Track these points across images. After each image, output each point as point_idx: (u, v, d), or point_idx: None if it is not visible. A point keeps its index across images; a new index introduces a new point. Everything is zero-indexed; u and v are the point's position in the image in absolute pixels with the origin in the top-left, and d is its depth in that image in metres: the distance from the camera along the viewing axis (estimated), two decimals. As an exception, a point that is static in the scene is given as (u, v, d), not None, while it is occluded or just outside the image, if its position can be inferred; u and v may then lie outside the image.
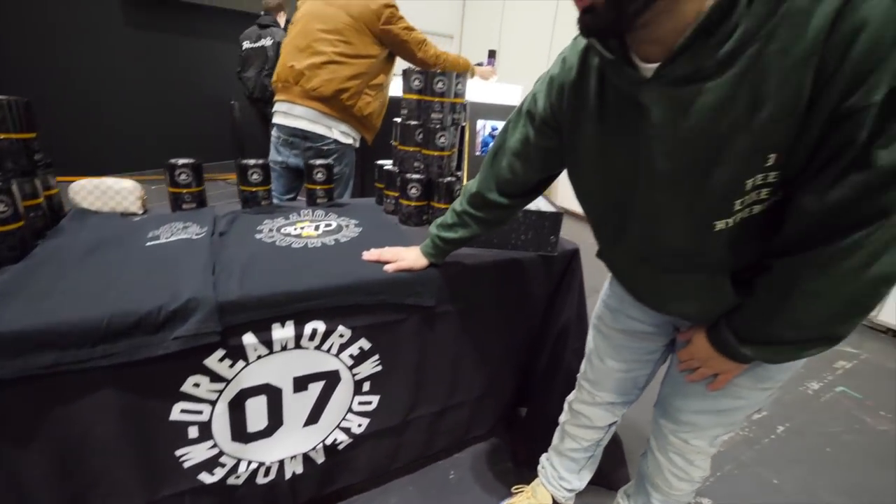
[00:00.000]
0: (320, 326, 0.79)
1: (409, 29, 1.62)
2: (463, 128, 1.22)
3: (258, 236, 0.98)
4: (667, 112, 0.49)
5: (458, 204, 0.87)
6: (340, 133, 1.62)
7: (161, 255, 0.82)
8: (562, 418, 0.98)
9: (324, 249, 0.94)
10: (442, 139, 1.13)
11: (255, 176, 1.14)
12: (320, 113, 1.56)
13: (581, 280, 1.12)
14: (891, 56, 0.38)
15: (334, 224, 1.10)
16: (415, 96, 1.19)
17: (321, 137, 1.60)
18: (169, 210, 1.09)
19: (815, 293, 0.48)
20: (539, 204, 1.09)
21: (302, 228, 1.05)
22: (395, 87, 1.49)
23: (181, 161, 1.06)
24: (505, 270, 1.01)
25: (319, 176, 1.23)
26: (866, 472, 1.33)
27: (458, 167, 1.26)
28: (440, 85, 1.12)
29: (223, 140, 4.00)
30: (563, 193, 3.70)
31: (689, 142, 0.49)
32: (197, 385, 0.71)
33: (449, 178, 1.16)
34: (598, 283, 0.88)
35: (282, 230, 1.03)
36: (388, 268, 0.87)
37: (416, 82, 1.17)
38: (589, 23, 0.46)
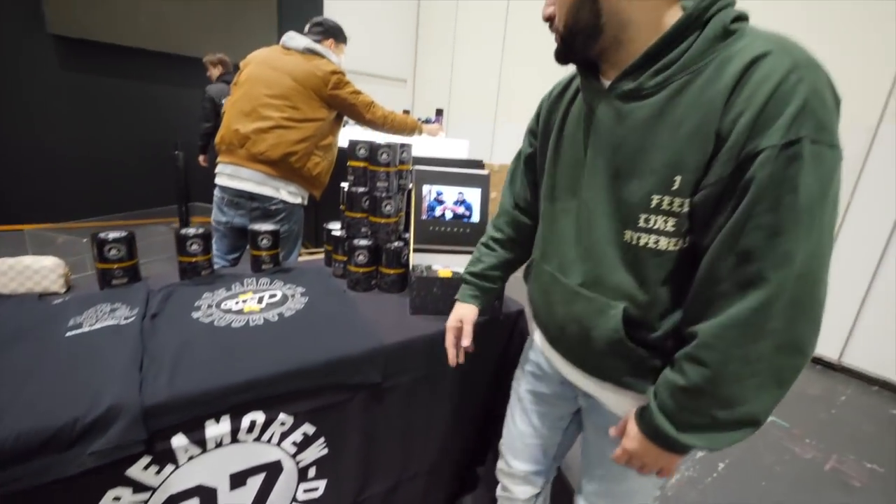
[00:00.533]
0: (259, 417, 0.76)
1: (357, 93, 1.69)
2: (409, 192, 1.26)
3: (195, 315, 0.94)
4: (609, 120, 0.57)
5: (482, 238, 0.91)
6: (288, 193, 1.62)
7: (82, 348, 0.77)
8: (497, 491, 0.96)
9: (266, 328, 0.92)
10: (388, 207, 1.16)
11: (194, 246, 1.10)
12: (267, 175, 1.56)
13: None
14: (787, 110, 0.43)
15: (279, 294, 1.08)
16: (361, 164, 1.22)
17: (268, 198, 1.59)
18: (97, 286, 1.03)
19: (744, 360, 0.48)
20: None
21: (244, 302, 1.02)
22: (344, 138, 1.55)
23: (112, 235, 1.01)
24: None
25: (265, 242, 1.21)
26: (798, 502, 1.43)
27: (406, 230, 1.29)
28: (384, 157, 1.16)
29: (164, 184, 3.83)
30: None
31: (620, 148, 0.56)
32: (118, 499, 0.65)
33: (396, 244, 1.18)
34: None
35: (222, 305, 0.99)
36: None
37: (362, 151, 1.21)
38: (556, 53, 0.59)
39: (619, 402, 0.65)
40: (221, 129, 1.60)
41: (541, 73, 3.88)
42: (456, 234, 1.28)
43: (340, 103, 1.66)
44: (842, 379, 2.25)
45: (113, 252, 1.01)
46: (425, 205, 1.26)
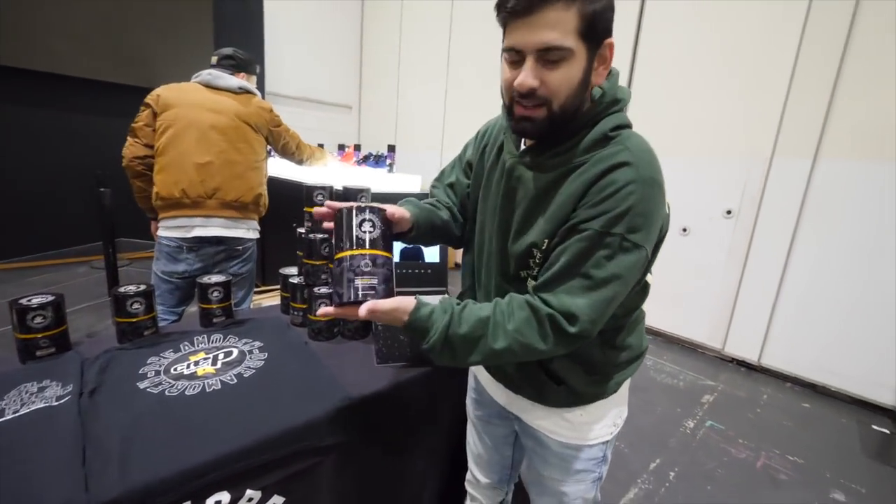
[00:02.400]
0: (224, 498, 0.71)
1: (288, 128, 1.76)
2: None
3: (142, 385, 0.86)
4: (516, 180, 0.69)
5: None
6: (253, 231, 1.64)
7: (7, 441, 0.68)
8: (466, 501, 1.05)
9: (225, 393, 0.86)
10: (349, 254, 1.15)
11: (136, 306, 1.02)
12: (236, 218, 1.54)
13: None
14: (618, 207, 0.56)
15: (235, 352, 1.02)
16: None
17: (237, 240, 1.56)
18: (16, 360, 0.91)
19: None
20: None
21: (197, 364, 0.96)
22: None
23: (36, 300, 0.91)
24: (424, 385, 1.03)
25: (216, 295, 1.15)
26: (739, 503, 1.57)
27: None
28: (319, 198, 1.16)
29: (84, 220, 3.48)
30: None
31: (518, 205, 0.68)
32: None
33: (358, 290, 1.17)
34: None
35: (172, 370, 0.92)
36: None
37: (320, 197, 1.20)
38: (524, 129, 0.63)
39: (529, 413, 0.79)
40: (173, 183, 1.49)
41: (482, 102, 4.08)
42: (417, 275, 1.29)
43: (277, 139, 1.70)
44: (762, 379, 2.52)
45: (38, 320, 0.91)
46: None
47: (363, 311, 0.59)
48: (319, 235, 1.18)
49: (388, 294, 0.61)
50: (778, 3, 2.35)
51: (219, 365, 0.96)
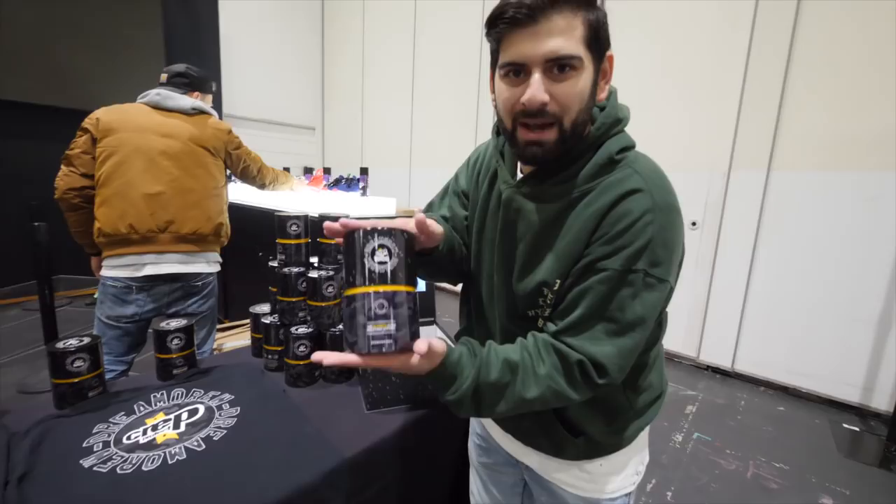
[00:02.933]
0: None
1: (249, 151, 1.66)
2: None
3: (87, 462, 0.72)
4: (515, 213, 0.62)
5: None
6: (213, 263, 1.47)
7: None
8: None
9: (191, 463, 0.74)
10: (330, 289, 1.05)
11: (78, 364, 0.87)
12: (194, 253, 1.38)
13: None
14: (636, 241, 0.51)
15: (201, 409, 0.89)
16: (293, 241, 1.10)
17: (195, 275, 1.39)
18: (-80, 443, 0.74)
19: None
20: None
21: (155, 429, 0.82)
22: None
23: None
24: (422, 429, 0.93)
25: (177, 343, 1.01)
26: (735, 517, 1.55)
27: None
28: (294, 228, 1.07)
29: (15, 257, 3.13)
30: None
31: (520, 240, 0.62)
32: None
33: (340, 328, 1.07)
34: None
35: (124, 440, 0.78)
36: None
37: (294, 227, 1.10)
38: (537, 154, 0.55)
39: (545, 466, 0.71)
40: (118, 217, 1.33)
41: (449, 117, 4.10)
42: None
43: (237, 162, 1.57)
44: (738, 385, 2.59)
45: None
46: (368, 279, 1.17)
47: (396, 364, 0.47)
48: (295, 269, 1.07)
49: (411, 339, 0.48)
50: (724, 22, 2.51)
51: (182, 427, 0.83)
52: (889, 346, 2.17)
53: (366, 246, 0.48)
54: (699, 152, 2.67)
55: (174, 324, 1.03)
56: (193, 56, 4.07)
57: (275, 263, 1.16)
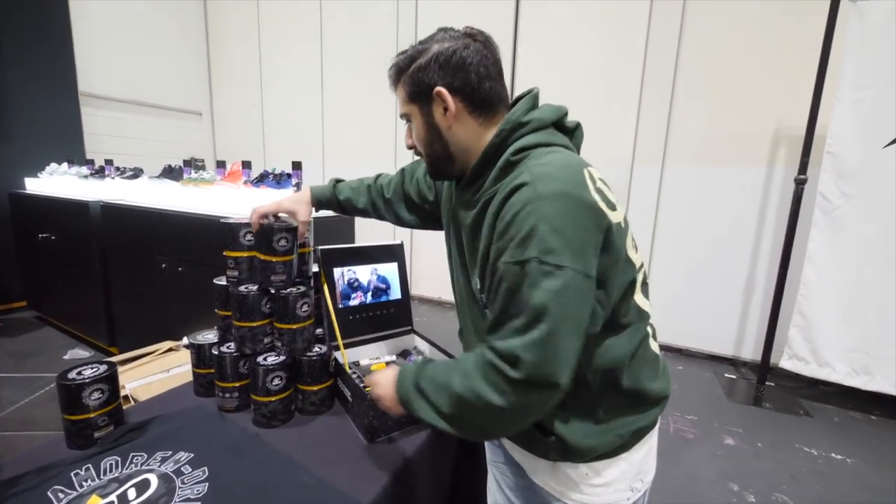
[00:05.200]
0: None
1: None
2: (316, 276, 1.02)
3: None
4: (459, 220, 0.70)
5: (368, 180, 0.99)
6: None
7: None
8: None
9: (165, 559, 0.56)
10: (305, 307, 0.90)
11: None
12: None
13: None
14: (520, 231, 0.52)
15: (154, 481, 0.69)
16: (246, 254, 0.92)
17: None
18: None
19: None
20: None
21: (92, 521, 0.61)
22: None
23: None
24: (440, 447, 0.86)
25: (97, 396, 0.77)
26: (666, 466, 1.77)
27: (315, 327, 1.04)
28: (283, 242, 0.90)
29: None
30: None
31: (463, 245, 0.70)
32: None
33: (318, 350, 0.93)
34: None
35: (47, 547, 0.56)
36: None
37: (248, 237, 0.91)
38: (429, 173, 0.74)
39: (528, 465, 0.71)
40: None
41: (365, 107, 3.89)
42: (380, 317, 1.10)
43: None
44: None
45: None
46: (339, 291, 1.04)
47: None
48: (253, 288, 0.90)
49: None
50: (624, 32, 2.80)
51: (133, 511, 0.63)
52: (752, 308, 2.69)
53: (274, 235, 0.86)
54: (608, 147, 2.96)
55: (89, 372, 0.78)
56: (30, 17, 3.20)
57: (219, 280, 0.96)
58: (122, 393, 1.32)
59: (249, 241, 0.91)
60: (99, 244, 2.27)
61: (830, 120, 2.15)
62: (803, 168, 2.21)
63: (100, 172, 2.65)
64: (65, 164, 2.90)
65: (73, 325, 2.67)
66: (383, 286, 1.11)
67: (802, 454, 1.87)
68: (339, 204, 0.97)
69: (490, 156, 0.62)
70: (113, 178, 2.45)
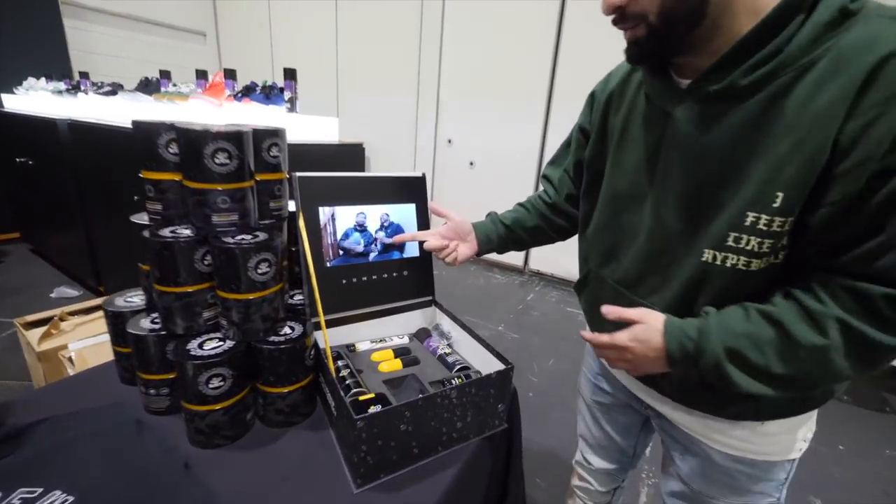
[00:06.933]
0: None
1: None
2: (291, 217, 0.68)
3: None
4: (690, 127, 0.47)
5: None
6: None
7: None
8: (572, 480, 0.91)
9: None
10: (264, 269, 0.56)
11: None
12: None
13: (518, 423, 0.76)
14: None
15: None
16: (171, 176, 0.57)
17: None
18: None
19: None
20: (478, 366, 0.69)
21: None
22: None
23: None
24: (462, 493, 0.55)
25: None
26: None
27: (291, 292, 0.71)
28: (221, 158, 0.54)
29: None
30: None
31: (704, 159, 0.47)
32: None
33: (286, 332, 0.60)
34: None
35: None
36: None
37: (173, 147, 0.56)
38: (634, 54, 0.47)
39: (692, 421, 0.59)
40: None
41: (390, 37, 3.33)
42: (388, 282, 0.77)
43: None
44: (554, 282, 2.95)
45: None
46: (327, 240, 0.70)
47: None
48: (185, 232, 0.56)
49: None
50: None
51: None
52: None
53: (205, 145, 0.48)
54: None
55: None
56: None
57: (137, 217, 0.63)
58: (66, 354, 1.07)
59: (173, 155, 0.56)
60: (73, 170, 1.96)
61: None
62: None
63: (76, 88, 2.29)
64: (43, 79, 2.55)
65: (61, 261, 2.46)
66: (392, 233, 0.76)
67: (894, 463, 1.55)
68: (507, 229, 0.78)
69: (789, 9, 0.39)
70: (87, 93, 2.10)
